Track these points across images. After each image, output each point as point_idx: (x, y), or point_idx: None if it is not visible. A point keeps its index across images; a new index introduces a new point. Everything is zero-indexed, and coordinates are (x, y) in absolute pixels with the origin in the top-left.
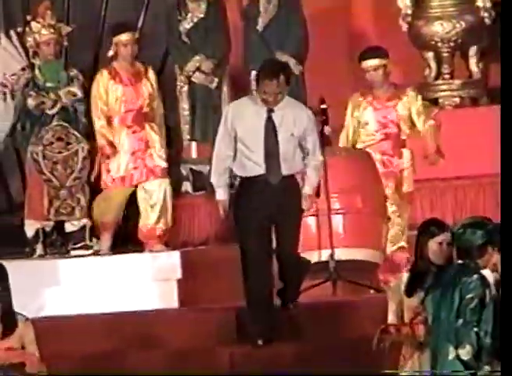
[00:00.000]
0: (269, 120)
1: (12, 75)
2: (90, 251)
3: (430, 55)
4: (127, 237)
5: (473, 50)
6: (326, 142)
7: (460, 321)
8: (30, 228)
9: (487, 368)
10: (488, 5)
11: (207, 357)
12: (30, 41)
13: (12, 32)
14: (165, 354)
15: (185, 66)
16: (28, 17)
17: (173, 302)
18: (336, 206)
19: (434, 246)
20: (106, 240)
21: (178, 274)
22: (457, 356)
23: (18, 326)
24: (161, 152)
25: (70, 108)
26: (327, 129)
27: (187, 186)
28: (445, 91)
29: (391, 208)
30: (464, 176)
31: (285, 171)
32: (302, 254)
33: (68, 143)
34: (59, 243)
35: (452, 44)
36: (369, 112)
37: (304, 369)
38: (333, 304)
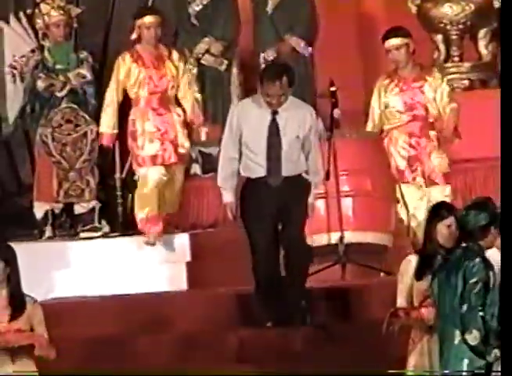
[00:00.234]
0: (273, 122)
1: (22, 57)
2: (99, 233)
3: (439, 37)
4: (135, 219)
5: (482, 32)
6: (335, 124)
7: (465, 307)
8: (39, 210)
9: (495, 352)
10: None
11: (216, 340)
12: (39, 22)
13: (21, 14)
14: (174, 336)
15: (195, 48)
16: None
17: (182, 284)
18: (345, 188)
19: (442, 229)
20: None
21: (188, 256)
22: (464, 341)
23: (27, 308)
24: (185, 135)
25: (79, 90)
26: (336, 112)
27: (196, 169)
28: (454, 73)
29: (417, 192)
30: (474, 159)
31: (287, 172)
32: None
33: (77, 125)
34: (68, 225)
35: (461, 26)
36: (395, 94)
37: (313, 351)
38: (343, 287)
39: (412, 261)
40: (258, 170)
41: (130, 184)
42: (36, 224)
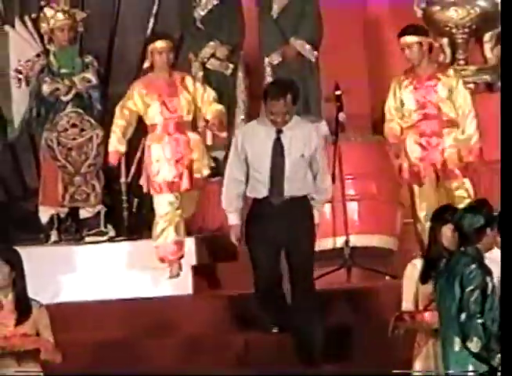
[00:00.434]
0: (278, 141)
1: (27, 61)
2: (104, 238)
3: (444, 41)
4: (141, 223)
5: (487, 36)
6: (340, 128)
7: (464, 315)
8: (45, 214)
9: (499, 356)
10: None
11: (222, 344)
12: (44, 26)
13: (26, 18)
14: (179, 340)
15: (200, 52)
16: (42, 2)
17: (188, 288)
18: (350, 192)
19: (447, 232)
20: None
21: (193, 260)
22: (466, 348)
23: (32, 312)
24: (204, 161)
25: (84, 94)
26: (342, 115)
27: None
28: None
29: (433, 193)
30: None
31: (290, 192)
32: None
33: (82, 130)
34: (73, 229)
35: (466, 30)
36: (409, 91)
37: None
38: (348, 291)
39: (417, 264)
40: (263, 190)
41: (135, 188)
42: (41, 228)
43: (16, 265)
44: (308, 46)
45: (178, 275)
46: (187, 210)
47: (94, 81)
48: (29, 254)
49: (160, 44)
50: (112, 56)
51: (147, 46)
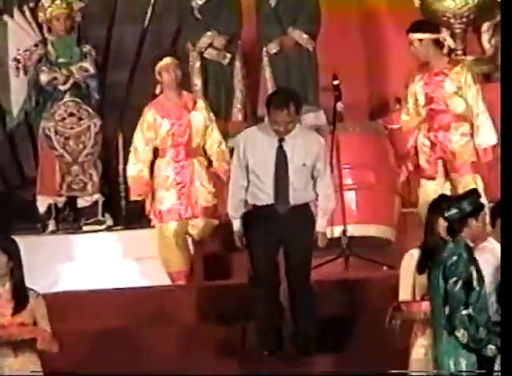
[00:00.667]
0: (280, 149)
1: (25, 51)
2: (102, 227)
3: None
4: (139, 213)
5: (485, 26)
6: (338, 118)
7: (447, 308)
8: (43, 203)
9: (491, 347)
10: None
11: (219, 333)
12: (41, 16)
13: (25, 7)
14: (177, 330)
15: (198, 42)
16: None
17: None
18: (348, 182)
19: (443, 222)
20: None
21: (191, 250)
22: (456, 339)
23: (30, 301)
24: (209, 188)
25: (82, 84)
26: (339, 105)
27: None
28: None
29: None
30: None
31: (294, 200)
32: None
33: (80, 119)
34: (71, 218)
35: (464, 20)
36: (419, 86)
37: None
38: (345, 280)
39: (414, 255)
40: (265, 198)
41: None
42: (39, 218)
43: (14, 255)
44: (305, 36)
45: None
46: (199, 234)
47: (92, 70)
48: (27, 244)
49: (166, 60)
50: (110, 46)
51: (154, 66)
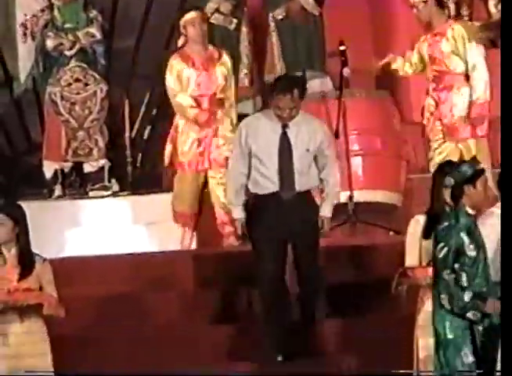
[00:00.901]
0: (284, 136)
1: (33, 16)
2: (108, 192)
3: None
4: (145, 178)
5: None
6: (345, 83)
7: (433, 269)
8: (49, 169)
9: (474, 312)
10: None
11: (224, 299)
12: None
13: None
14: (182, 295)
15: (204, 7)
16: None
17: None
18: (355, 148)
19: (446, 188)
20: (183, 237)
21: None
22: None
23: (36, 267)
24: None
25: (88, 49)
26: (346, 71)
27: None
28: None
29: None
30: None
31: (299, 187)
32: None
33: (86, 84)
34: (77, 184)
35: None
36: (424, 47)
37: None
38: (352, 246)
39: (420, 220)
40: (269, 186)
41: (139, 143)
42: (45, 183)
43: (20, 220)
44: (311, 1)
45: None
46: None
47: (98, 35)
48: (33, 209)
49: (191, 15)
50: (116, 11)
51: (179, 21)
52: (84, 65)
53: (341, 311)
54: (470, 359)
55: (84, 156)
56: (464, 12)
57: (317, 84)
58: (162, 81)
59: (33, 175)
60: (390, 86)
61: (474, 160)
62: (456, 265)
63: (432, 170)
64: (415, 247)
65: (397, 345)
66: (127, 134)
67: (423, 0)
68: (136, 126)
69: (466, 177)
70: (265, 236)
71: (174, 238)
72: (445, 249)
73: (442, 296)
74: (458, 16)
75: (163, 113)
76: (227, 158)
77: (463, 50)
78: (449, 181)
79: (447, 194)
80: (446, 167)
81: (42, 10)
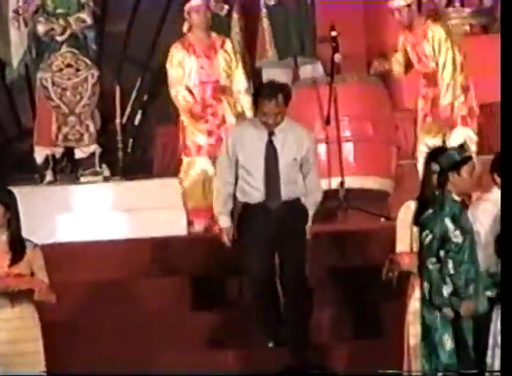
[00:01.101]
0: (270, 144)
1: (25, 2)
2: (99, 177)
3: None
4: (136, 164)
5: None
6: (336, 69)
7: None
8: (40, 154)
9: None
10: None
11: (218, 285)
12: None
13: None
14: (175, 281)
15: None
16: None
17: (182, 229)
18: (346, 134)
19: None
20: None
21: None
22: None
23: (27, 252)
24: None
25: (79, 35)
26: (337, 57)
27: None
28: (455, 19)
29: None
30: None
31: (286, 195)
32: None
33: (78, 70)
34: (68, 169)
35: None
36: (408, 47)
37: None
38: (343, 232)
39: (411, 206)
40: (256, 195)
41: (130, 129)
42: (36, 168)
43: (11, 206)
44: None
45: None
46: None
47: (89, 21)
48: (24, 195)
49: (196, 2)
50: None
51: (183, 6)
52: (76, 50)
53: (332, 297)
54: (449, 345)
55: (74, 141)
56: None
57: (308, 69)
58: (153, 66)
59: (24, 160)
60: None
61: (460, 148)
62: (442, 253)
63: (417, 156)
64: (406, 234)
65: (388, 331)
66: (118, 120)
67: (407, 4)
68: (127, 112)
69: (451, 164)
70: (253, 244)
71: (165, 223)
72: (430, 236)
73: (425, 285)
74: (450, 3)
75: (154, 98)
76: None
77: (439, 50)
78: (435, 167)
79: (435, 180)
80: (436, 152)
81: None
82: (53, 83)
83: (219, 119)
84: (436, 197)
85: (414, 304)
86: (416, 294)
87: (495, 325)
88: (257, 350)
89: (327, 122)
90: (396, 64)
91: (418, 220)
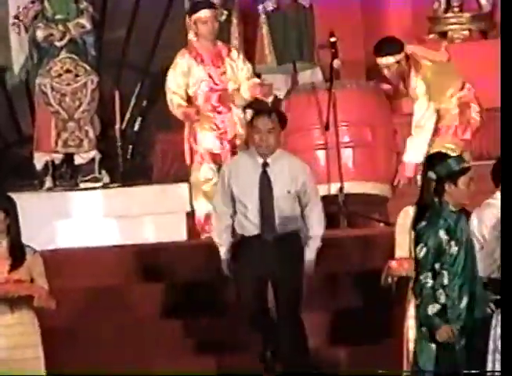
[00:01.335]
0: (264, 174)
1: (24, 8)
2: (99, 184)
3: None
4: (136, 170)
5: None
6: (335, 75)
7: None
8: (39, 160)
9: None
10: None
11: (215, 290)
12: None
13: None
14: (174, 286)
15: (217, 4)
16: None
17: (182, 235)
18: (345, 139)
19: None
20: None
21: (187, 207)
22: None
23: (27, 258)
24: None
25: (79, 40)
26: (336, 62)
27: None
28: (454, 24)
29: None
30: None
31: (281, 228)
32: None
33: (77, 75)
34: (68, 175)
35: None
36: None
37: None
38: (342, 238)
39: (409, 211)
40: (251, 228)
41: (130, 135)
42: (36, 175)
43: (11, 211)
44: None
45: None
46: None
47: (88, 26)
48: (23, 201)
49: (204, 13)
50: (107, 2)
51: (190, 16)
52: (75, 56)
53: (331, 303)
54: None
55: (74, 147)
56: (454, 3)
57: (307, 75)
58: (153, 72)
59: (23, 166)
60: (380, 77)
61: (459, 158)
62: (437, 266)
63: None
64: (404, 239)
65: (388, 336)
66: (117, 125)
67: (396, 61)
68: (127, 118)
69: (449, 173)
70: (247, 278)
71: (165, 229)
72: (425, 250)
73: (418, 300)
74: (448, 8)
75: (153, 104)
76: None
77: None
78: (432, 175)
79: (434, 186)
80: (434, 159)
81: (32, 1)
82: (52, 89)
83: (230, 126)
84: (434, 202)
85: (413, 309)
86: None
87: (495, 330)
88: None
89: (326, 128)
90: None
91: (416, 226)
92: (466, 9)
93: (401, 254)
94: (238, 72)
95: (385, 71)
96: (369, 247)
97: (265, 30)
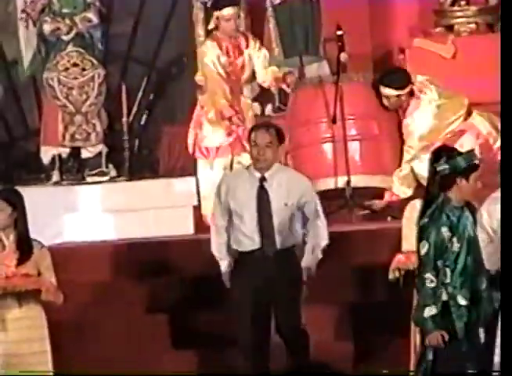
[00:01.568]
0: (261, 189)
1: (31, 2)
2: (106, 178)
3: None
4: (142, 164)
5: None
6: (342, 68)
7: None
8: (46, 154)
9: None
10: None
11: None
12: None
13: None
14: (180, 280)
15: (240, 1)
16: None
17: (189, 228)
18: (352, 132)
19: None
20: None
21: (194, 200)
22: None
23: (34, 252)
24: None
25: (85, 34)
26: (343, 56)
27: None
28: (460, 17)
29: None
30: (480, 103)
31: (281, 243)
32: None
33: (84, 69)
34: (75, 169)
35: None
36: None
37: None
38: (349, 231)
39: (416, 205)
40: (248, 243)
41: (136, 129)
42: (43, 168)
43: (18, 206)
44: None
45: None
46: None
47: (95, 20)
48: (30, 195)
49: (228, 11)
50: None
51: (213, 11)
52: (82, 50)
53: (339, 296)
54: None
55: (81, 140)
56: None
57: (314, 68)
58: (159, 66)
59: (30, 160)
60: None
61: (472, 153)
62: (439, 263)
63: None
64: (411, 232)
65: (395, 331)
66: (124, 119)
67: (396, 95)
68: (133, 111)
69: (463, 168)
70: (246, 292)
71: (172, 223)
72: (426, 246)
73: (415, 293)
74: (455, 2)
75: (160, 98)
76: None
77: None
78: (444, 168)
79: (437, 181)
80: (443, 152)
81: None
82: (59, 82)
83: (241, 118)
84: (439, 198)
85: None
86: None
87: None
88: None
89: (333, 121)
90: None
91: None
92: (472, 2)
93: (408, 247)
94: (255, 60)
95: (384, 100)
96: (376, 240)
97: (271, 23)
